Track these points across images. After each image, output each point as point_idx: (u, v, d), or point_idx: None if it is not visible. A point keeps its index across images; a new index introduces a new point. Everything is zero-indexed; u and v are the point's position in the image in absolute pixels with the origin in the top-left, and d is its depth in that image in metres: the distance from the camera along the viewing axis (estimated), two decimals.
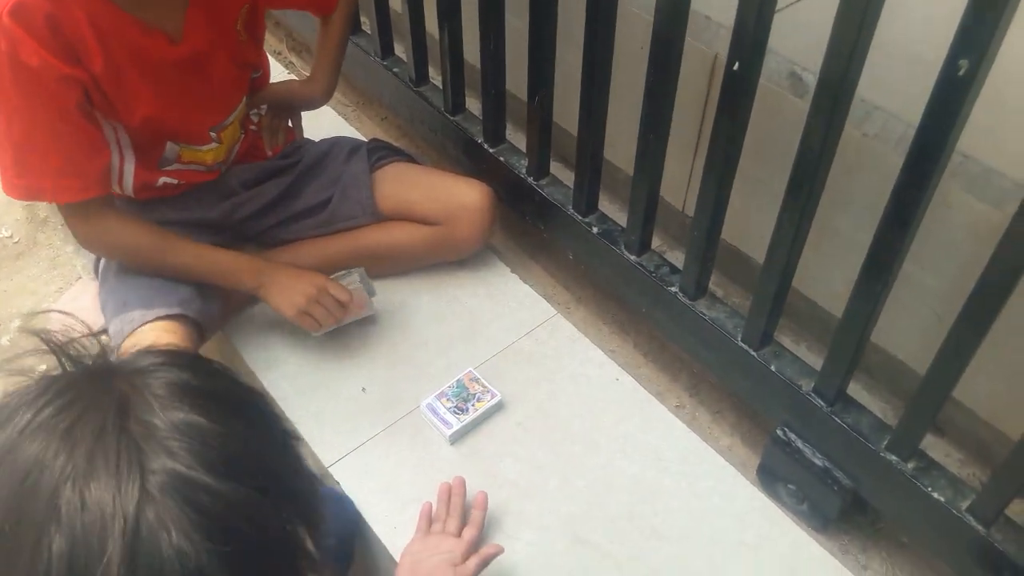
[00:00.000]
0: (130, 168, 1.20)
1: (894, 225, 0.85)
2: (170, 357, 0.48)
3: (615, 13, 1.06)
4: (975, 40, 0.68)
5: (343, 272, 1.27)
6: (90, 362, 0.47)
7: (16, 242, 2.03)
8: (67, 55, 1.03)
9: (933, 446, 1.18)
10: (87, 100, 1.08)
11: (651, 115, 1.06)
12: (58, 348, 0.48)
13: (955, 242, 1.00)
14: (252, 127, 1.35)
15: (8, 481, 0.42)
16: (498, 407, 1.23)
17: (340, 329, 1.29)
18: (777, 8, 0.88)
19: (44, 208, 2.09)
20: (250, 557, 0.42)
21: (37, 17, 1.00)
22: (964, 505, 0.95)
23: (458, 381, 1.25)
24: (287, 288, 1.20)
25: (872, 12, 0.77)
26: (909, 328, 1.11)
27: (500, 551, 1.02)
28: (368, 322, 1.34)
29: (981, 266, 0.80)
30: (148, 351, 0.49)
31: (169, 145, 1.22)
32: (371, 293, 1.30)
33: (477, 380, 1.25)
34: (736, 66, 0.90)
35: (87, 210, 1.13)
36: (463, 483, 1.11)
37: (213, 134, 1.25)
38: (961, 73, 0.69)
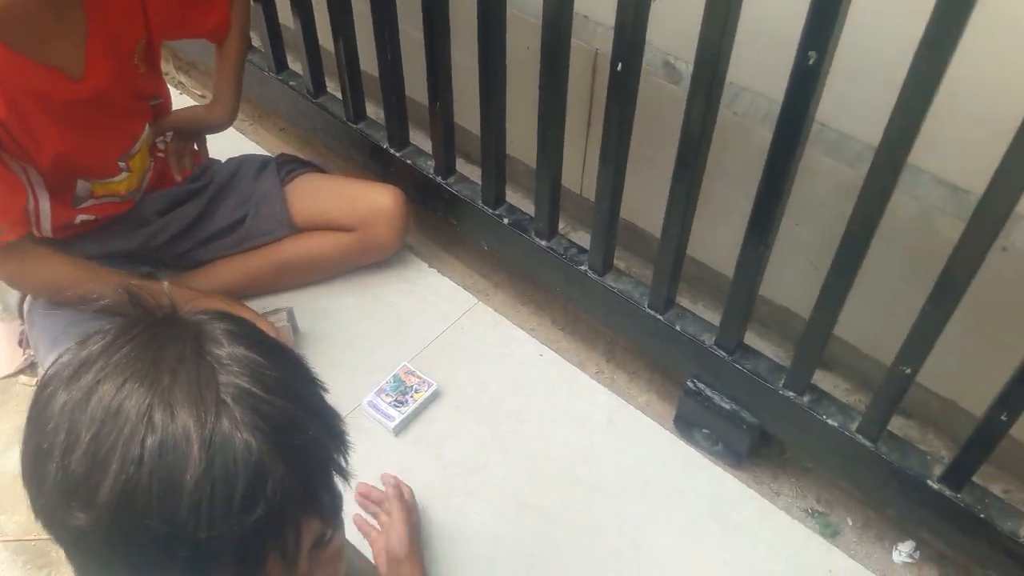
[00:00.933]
0: (46, 209, 1.21)
1: (769, 190, 0.98)
2: (222, 315, 0.58)
3: (504, 18, 1.15)
4: (820, 36, 0.81)
5: (272, 310, 1.32)
6: (161, 313, 0.56)
7: None
8: None
9: (823, 380, 1.33)
10: None
11: (547, 111, 1.16)
12: (135, 299, 0.56)
13: (823, 201, 1.15)
14: (160, 154, 1.37)
15: (103, 402, 0.50)
16: (435, 396, 1.32)
17: None
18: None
19: None
20: (299, 455, 0.53)
21: None
22: (854, 427, 1.10)
23: (395, 376, 1.32)
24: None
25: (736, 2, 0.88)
26: (791, 279, 1.25)
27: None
28: (299, 331, 1.39)
29: (846, 219, 0.93)
30: (203, 310, 0.59)
31: (80, 183, 1.23)
32: (296, 331, 1.35)
33: (413, 373, 1.33)
34: (619, 67, 1.01)
35: (11, 251, 1.14)
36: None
37: (122, 164, 1.27)
38: (811, 63, 0.82)
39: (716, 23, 0.89)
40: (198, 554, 0.50)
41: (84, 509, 0.49)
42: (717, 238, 1.30)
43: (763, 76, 1.13)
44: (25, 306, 1.28)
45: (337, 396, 1.27)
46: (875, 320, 1.20)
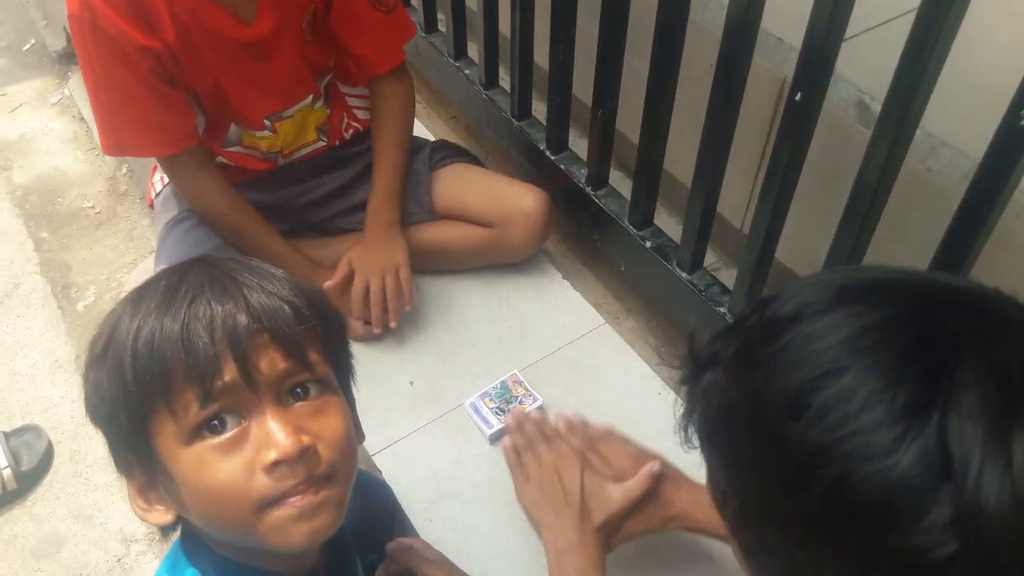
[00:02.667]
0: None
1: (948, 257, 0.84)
2: None
3: (684, 29, 1.07)
4: None
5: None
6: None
7: (97, 212, 2.13)
8: (141, 24, 1.10)
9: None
10: (162, 67, 1.15)
11: (712, 134, 1.07)
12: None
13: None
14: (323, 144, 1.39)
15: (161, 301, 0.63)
16: (539, 411, 1.25)
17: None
18: (848, 36, 0.88)
19: (124, 181, 2.18)
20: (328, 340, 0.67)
21: None
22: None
23: (502, 383, 1.27)
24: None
25: (942, 43, 0.76)
26: None
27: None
28: (420, 319, 1.37)
29: None
30: None
31: (233, 127, 1.28)
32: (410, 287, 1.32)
33: (521, 383, 1.27)
34: (799, 96, 0.90)
35: (177, 164, 1.23)
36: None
37: (267, 122, 1.29)
38: (1022, 123, 0.68)
39: (914, 63, 0.77)
40: None
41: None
42: None
43: (968, 132, 0.98)
44: (160, 236, 1.34)
45: (443, 390, 1.24)
46: None
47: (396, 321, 1.31)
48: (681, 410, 0.60)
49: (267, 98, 1.27)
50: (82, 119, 2.36)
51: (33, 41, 2.64)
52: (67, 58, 2.52)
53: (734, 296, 1.15)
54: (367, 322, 1.31)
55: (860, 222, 0.91)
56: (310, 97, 1.32)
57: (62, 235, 2.07)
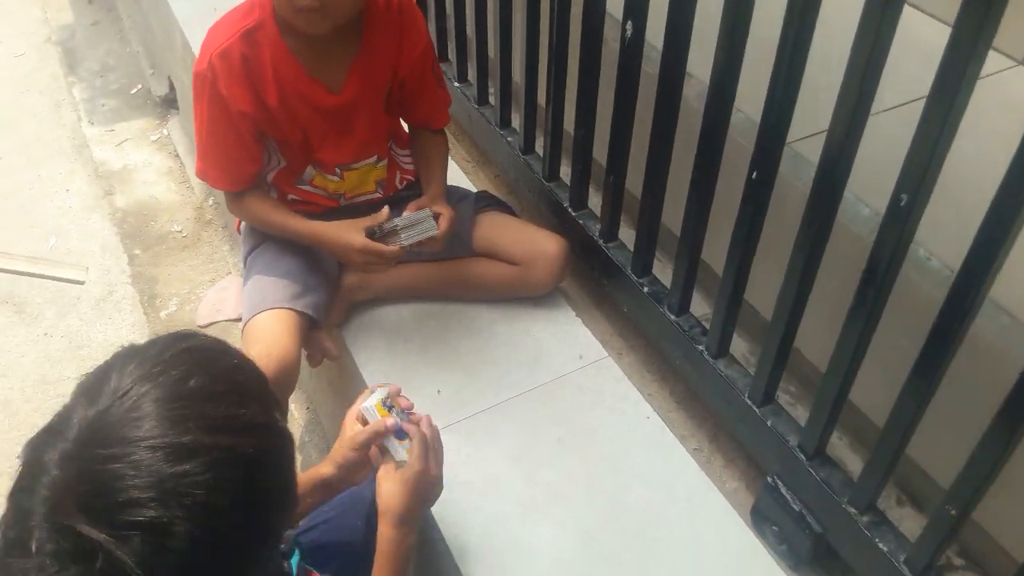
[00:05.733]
0: (270, 177, 1.57)
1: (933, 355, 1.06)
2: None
3: (676, 119, 1.33)
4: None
5: (415, 213, 1.52)
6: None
7: (184, 236, 2.44)
8: (249, 92, 1.41)
9: (895, 509, 1.34)
10: (255, 127, 1.45)
11: (695, 195, 1.31)
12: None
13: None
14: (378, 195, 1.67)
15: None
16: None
17: (422, 340, 1.59)
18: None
19: (210, 211, 2.50)
20: None
21: (235, 58, 1.38)
22: (902, 557, 1.13)
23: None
24: (342, 255, 1.53)
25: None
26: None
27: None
28: (451, 339, 1.62)
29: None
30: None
31: (308, 169, 1.57)
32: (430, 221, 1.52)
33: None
34: (755, 174, 1.14)
35: (233, 197, 1.55)
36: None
37: (338, 170, 1.58)
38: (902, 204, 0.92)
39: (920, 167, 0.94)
40: None
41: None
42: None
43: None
44: (247, 261, 1.62)
45: (467, 400, 1.46)
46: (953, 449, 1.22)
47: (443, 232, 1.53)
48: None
49: (343, 152, 1.56)
50: (177, 156, 2.70)
51: (140, 86, 3.01)
52: (168, 103, 2.87)
53: (710, 337, 1.38)
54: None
55: (801, 282, 1.15)
56: (375, 156, 1.60)
57: (152, 253, 2.38)
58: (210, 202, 2.50)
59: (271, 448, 0.74)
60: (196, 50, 2.33)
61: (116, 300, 2.23)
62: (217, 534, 0.67)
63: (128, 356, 0.73)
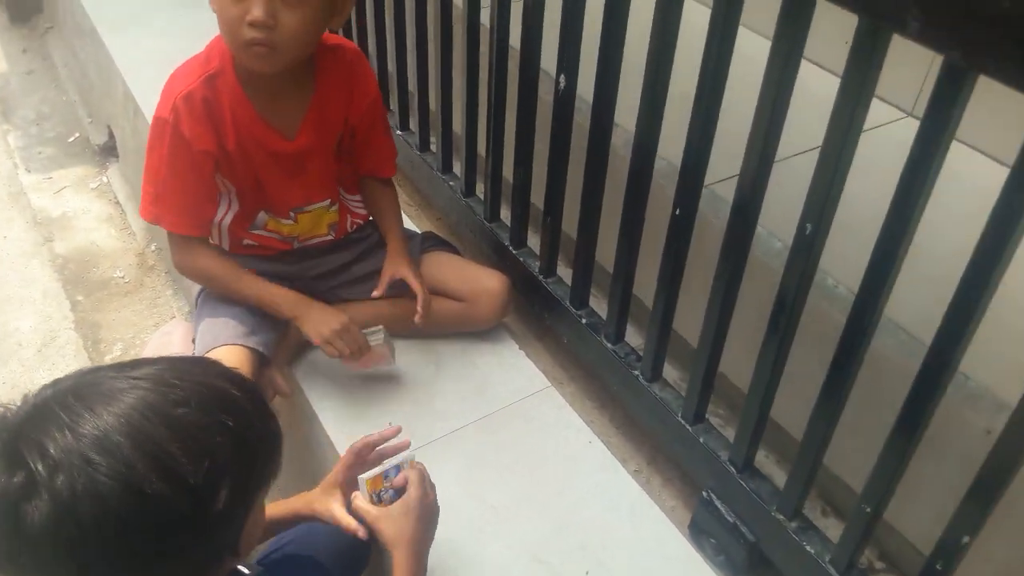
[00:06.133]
0: (227, 222, 1.61)
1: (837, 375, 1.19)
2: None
3: (606, 166, 1.45)
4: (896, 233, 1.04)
5: (372, 329, 1.61)
6: None
7: (127, 282, 2.46)
8: (211, 132, 1.47)
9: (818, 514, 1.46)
10: (215, 168, 1.51)
11: (624, 238, 1.43)
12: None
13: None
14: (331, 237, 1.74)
15: None
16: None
17: (373, 376, 1.65)
18: None
19: (152, 257, 2.53)
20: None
21: (198, 101, 1.45)
22: (827, 558, 1.24)
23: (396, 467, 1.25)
24: (317, 320, 1.56)
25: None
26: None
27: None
28: (401, 373, 1.69)
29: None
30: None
31: (261, 214, 1.63)
32: (392, 349, 1.63)
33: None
34: (678, 212, 1.27)
35: (187, 243, 1.57)
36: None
37: (292, 213, 1.65)
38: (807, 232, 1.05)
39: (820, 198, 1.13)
40: None
41: None
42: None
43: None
44: (198, 302, 1.66)
45: (416, 429, 1.54)
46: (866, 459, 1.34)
47: (422, 317, 1.64)
48: None
49: (295, 195, 1.63)
50: (117, 203, 2.72)
51: (77, 135, 3.02)
52: (107, 151, 2.89)
53: (643, 362, 1.49)
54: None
55: (722, 308, 1.27)
56: (328, 200, 1.68)
57: (95, 299, 2.39)
58: (152, 248, 2.53)
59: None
60: (138, 98, 2.40)
61: (59, 346, 2.23)
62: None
63: (160, 361, 0.80)
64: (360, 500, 1.19)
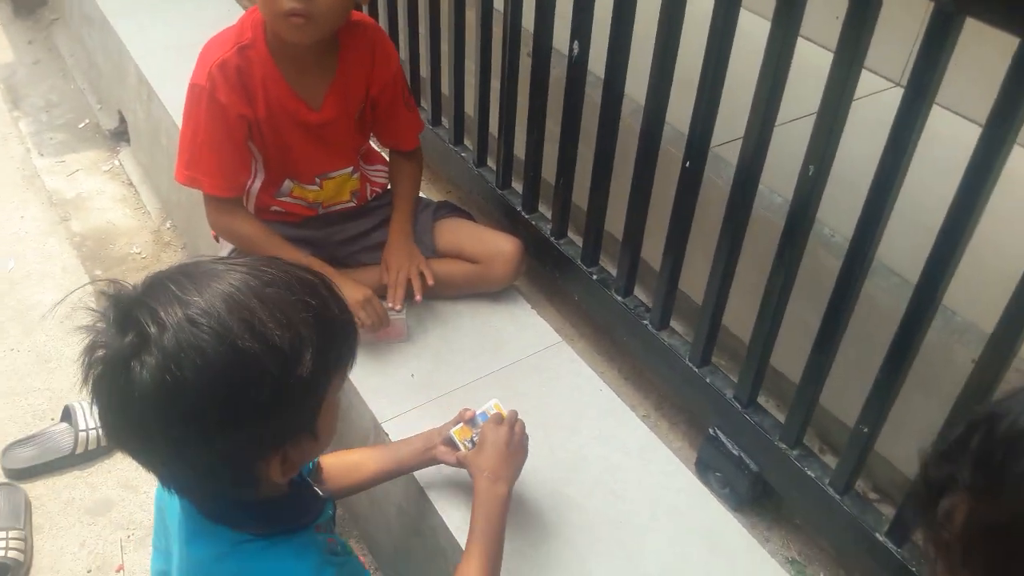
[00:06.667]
0: (255, 189, 1.71)
1: (778, 282, 1.30)
2: None
3: (617, 125, 1.56)
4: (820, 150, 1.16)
5: (392, 308, 1.71)
6: None
7: (143, 257, 2.54)
8: (245, 99, 1.57)
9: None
10: (249, 133, 1.60)
11: (633, 201, 1.54)
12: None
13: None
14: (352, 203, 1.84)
15: None
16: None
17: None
18: None
19: (168, 234, 2.61)
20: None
21: (232, 69, 1.55)
22: (827, 480, 1.36)
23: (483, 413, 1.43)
24: (345, 290, 1.65)
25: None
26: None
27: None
28: (422, 331, 1.79)
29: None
30: None
31: (287, 181, 1.73)
32: (407, 326, 1.74)
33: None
34: (687, 164, 1.38)
35: (223, 204, 1.66)
36: None
37: (318, 179, 1.75)
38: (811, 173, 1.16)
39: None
40: None
41: None
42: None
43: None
44: None
45: (436, 382, 1.66)
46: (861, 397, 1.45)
47: (420, 295, 1.72)
48: (924, 540, 0.61)
49: (320, 162, 1.73)
50: (131, 184, 2.80)
51: (87, 121, 3.09)
52: (118, 136, 2.97)
53: (653, 312, 1.60)
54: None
55: (727, 262, 1.38)
56: (350, 168, 1.78)
57: (113, 274, 2.47)
58: (167, 225, 2.61)
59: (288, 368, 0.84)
60: (152, 81, 2.49)
61: (80, 319, 2.30)
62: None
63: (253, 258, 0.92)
64: (449, 454, 1.37)
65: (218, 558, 0.96)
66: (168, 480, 0.94)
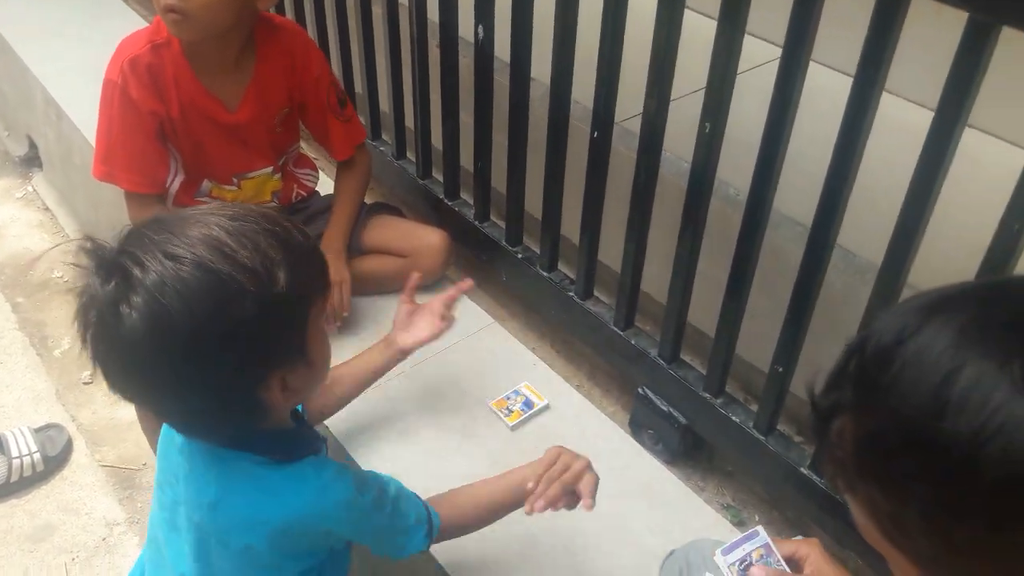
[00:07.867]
0: (174, 189, 1.72)
1: (688, 239, 1.38)
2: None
3: (527, 106, 1.62)
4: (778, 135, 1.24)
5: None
6: None
7: (66, 281, 2.50)
8: (156, 96, 1.58)
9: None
10: (162, 129, 1.62)
11: (549, 178, 1.61)
12: None
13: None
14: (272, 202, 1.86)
15: None
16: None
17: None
18: None
19: None
20: None
21: (143, 66, 1.56)
22: (751, 423, 1.44)
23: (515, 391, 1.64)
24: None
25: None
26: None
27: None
28: (355, 327, 1.82)
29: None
30: None
31: (205, 182, 1.74)
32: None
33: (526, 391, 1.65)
34: (595, 134, 1.45)
35: (144, 201, 1.66)
36: None
37: (235, 179, 1.76)
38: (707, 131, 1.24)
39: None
40: None
41: None
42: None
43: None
44: None
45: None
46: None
47: (339, 322, 1.75)
48: (824, 464, 0.66)
49: (236, 162, 1.75)
50: (47, 209, 2.75)
51: None
52: (29, 161, 2.91)
53: (577, 284, 1.67)
54: None
55: (640, 229, 1.45)
56: (270, 168, 1.80)
57: (36, 299, 2.43)
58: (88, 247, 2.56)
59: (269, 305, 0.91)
60: (60, 102, 2.46)
61: (5, 345, 2.26)
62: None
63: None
64: (410, 337, 1.50)
65: (249, 474, 1.03)
66: (180, 423, 1.01)
